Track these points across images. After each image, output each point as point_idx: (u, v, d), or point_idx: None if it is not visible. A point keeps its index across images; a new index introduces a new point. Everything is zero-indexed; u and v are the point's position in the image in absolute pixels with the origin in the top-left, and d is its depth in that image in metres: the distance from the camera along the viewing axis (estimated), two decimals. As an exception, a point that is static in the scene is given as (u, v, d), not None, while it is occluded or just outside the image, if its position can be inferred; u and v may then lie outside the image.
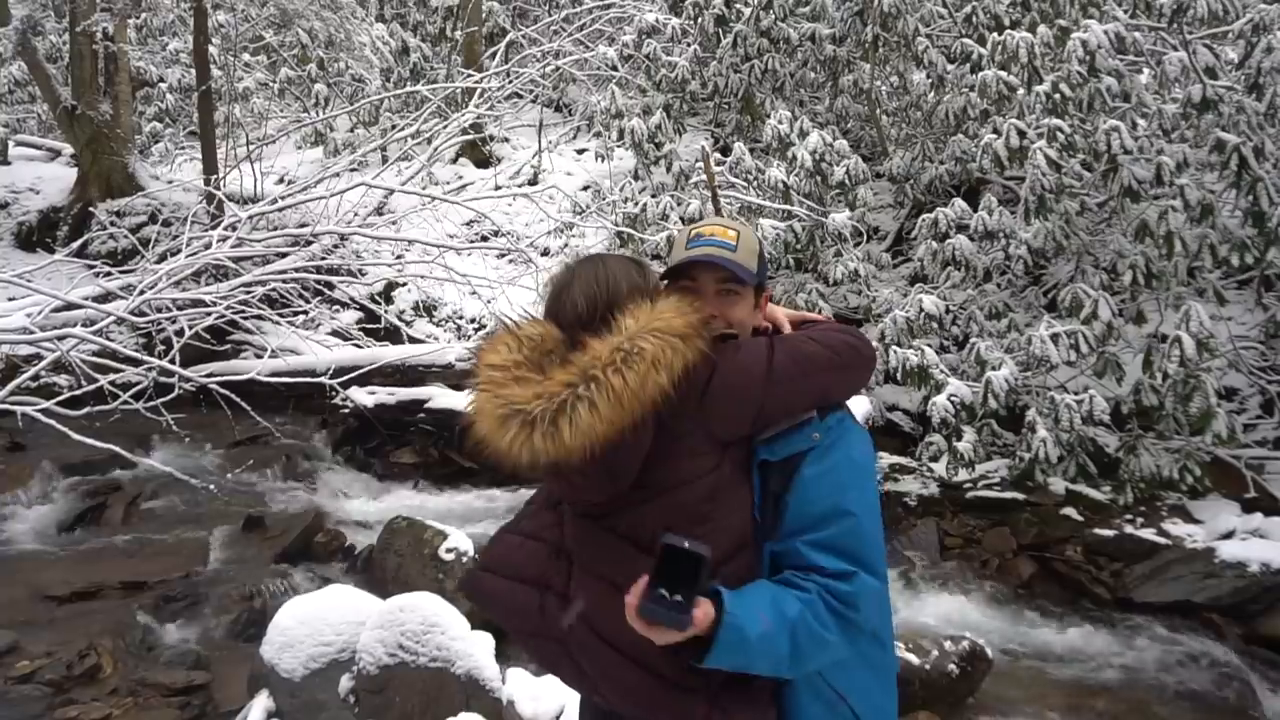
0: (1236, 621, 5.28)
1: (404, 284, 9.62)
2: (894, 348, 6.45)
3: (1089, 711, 4.67)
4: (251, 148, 10.79)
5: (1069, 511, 6.09)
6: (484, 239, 10.17)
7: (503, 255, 9.82)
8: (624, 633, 1.48)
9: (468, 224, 10.44)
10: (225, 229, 8.63)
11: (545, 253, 9.86)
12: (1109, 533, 5.88)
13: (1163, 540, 5.74)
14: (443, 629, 3.60)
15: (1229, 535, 5.62)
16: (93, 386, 6.91)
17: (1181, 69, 6.48)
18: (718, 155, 8.68)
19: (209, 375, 7.51)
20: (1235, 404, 6.45)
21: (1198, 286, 6.65)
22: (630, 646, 1.54)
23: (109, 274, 8.49)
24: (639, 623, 1.44)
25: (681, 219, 8.64)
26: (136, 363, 7.17)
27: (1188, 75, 6.43)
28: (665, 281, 1.81)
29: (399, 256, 9.88)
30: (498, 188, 10.74)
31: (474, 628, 3.74)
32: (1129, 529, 5.88)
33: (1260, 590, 5.26)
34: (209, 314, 7.95)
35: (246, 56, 13.26)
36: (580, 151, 11.67)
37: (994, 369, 6.12)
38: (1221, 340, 6.27)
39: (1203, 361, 5.82)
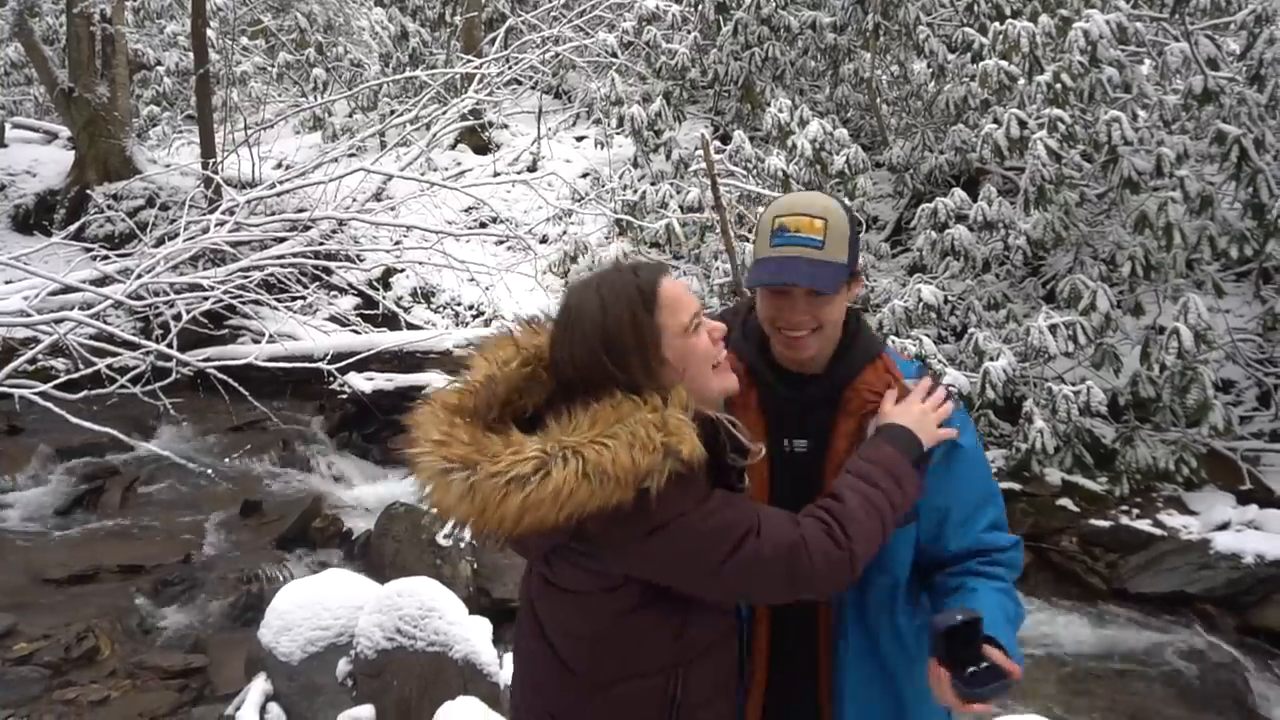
0: (1230, 612, 5.30)
1: (402, 270, 9.60)
2: (892, 337, 6.45)
3: (1083, 700, 4.70)
4: (249, 132, 10.75)
5: (1065, 502, 6.10)
6: (483, 225, 10.15)
7: (501, 242, 9.81)
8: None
9: (466, 210, 10.41)
10: (223, 213, 8.61)
11: (544, 240, 9.85)
12: (1105, 523, 5.90)
13: (1158, 531, 5.76)
14: (440, 613, 3.61)
15: (1224, 527, 5.64)
16: (90, 370, 6.91)
17: (1183, 60, 6.47)
18: (717, 143, 8.66)
19: (206, 360, 7.51)
20: (1232, 396, 6.46)
21: (1196, 278, 6.66)
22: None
23: (106, 257, 8.47)
24: (966, 709, 1.49)
25: (681, 207, 8.63)
26: (134, 346, 7.16)
27: (1189, 66, 6.42)
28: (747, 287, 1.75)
29: (397, 242, 9.86)
30: (497, 174, 10.71)
31: (471, 613, 3.76)
32: (1125, 520, 5.89)
33: (1254, 581, 5.28)
34: (206, 298, 7.94)
35: (245, 40, 13.20)
36: (579, 139, 11.64)
37: (992, 359, 6.12)
38: (1219, 332, 6.28)
39: (1200, 353, 5.83)
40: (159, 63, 13.51)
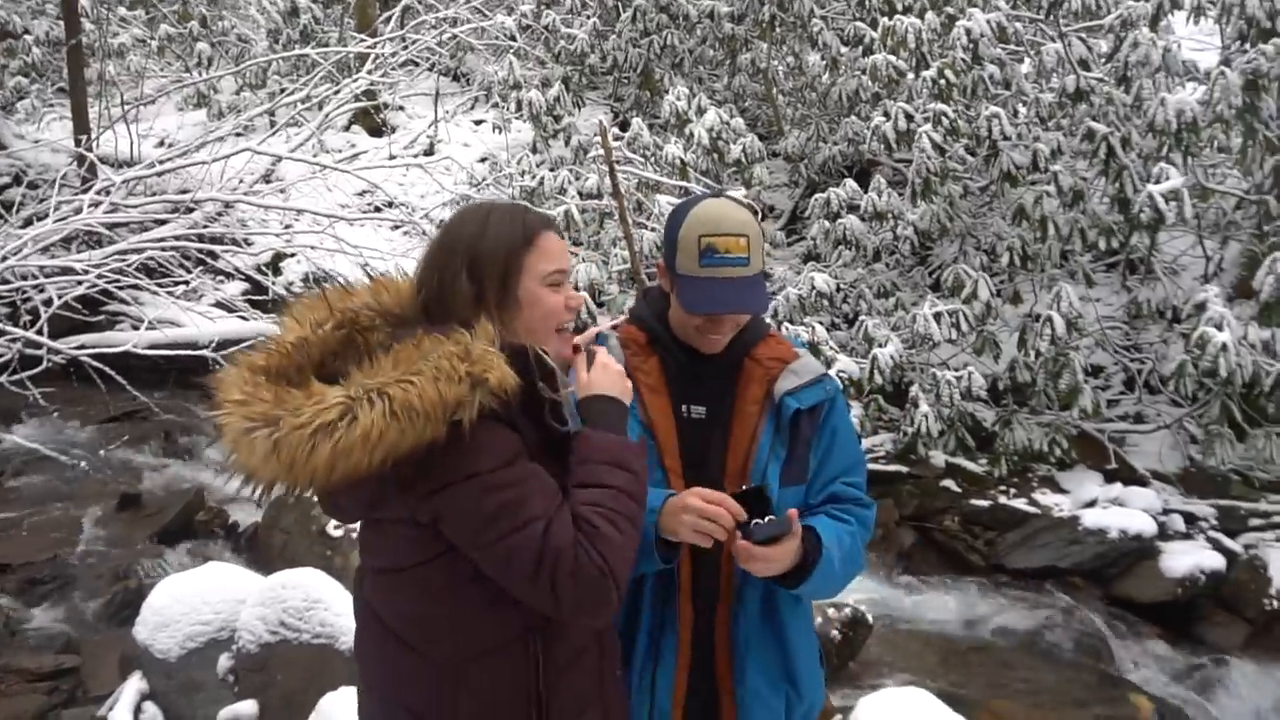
0: (1096, 584, 5.62)
1: (293, 255, 9.29)
2: (786, 324, 6.59)
3: (962, 672, 4.91)
4: (127, 108, 10.22)
5: (948, 483, 6.36)
6: (377, 210, 9.91)
7: (397, 227, 9.60)
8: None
9: (360, 194, 10.15)
10: (98, 193, 8.17)
11: (440, 225, 9.68)
12: (984, 503, 6.17)
13: (1033, 510, 6.05)
14: (326, 605, 3.54)
15: (1092, 504, 5.97)
16: (-51, 358, 6.49)
17: (1058, 60, 6.77)
18: (616, 130, 8.67)
19: (80, 347, 7.13)
20: (1100, 380, 6.83)
21: (1069, 269, 7.00)
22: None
23: (-33, 239, 7.95)
24: (752, 556, 1.63)
25: (579, 193, 8.60)
26: (-1, 333, 6.76)
27: (1063, 66, 6.73)
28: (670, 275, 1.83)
29: (287, 226, 9.54)
30: (392, 157, 10.48)
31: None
32: (1003, 499, 6.18)
33: (1118, 555, 5.61)
34: (80, 283, 7.53)
35: (122, 10, 12.55)
36: (478, 123, 11.47)
37: (880, 346, 6.32)
38: (1089, 320, 6.63)
39: (1072, 340, 6.15)
40: (26, 31, 12.71)
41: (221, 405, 1.44)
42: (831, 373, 1.96)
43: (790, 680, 1.84)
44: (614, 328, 1.91)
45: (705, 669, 1.83)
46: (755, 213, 1.87)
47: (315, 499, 1.61)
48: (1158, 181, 5.85)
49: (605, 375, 1.61)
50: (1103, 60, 6.79)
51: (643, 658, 1.82)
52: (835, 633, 4.63)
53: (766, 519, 1.64)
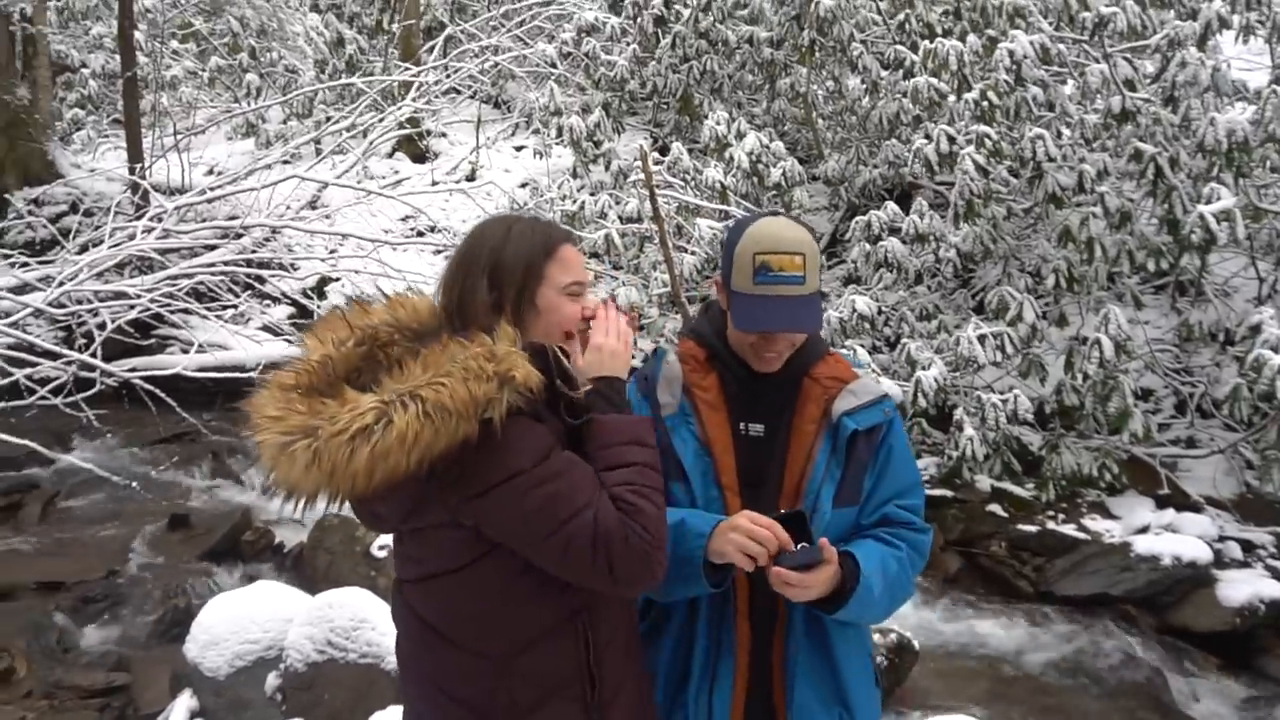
0: (1150, 612, 5.47)
1: (338, 279, 9.45)
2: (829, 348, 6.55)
3: (1011, 700, 4.81)
4: (179, 137, 10.51)
5: (994, 508, 6.25)
6: (420, 234, 10.06)
7: (439, 251, 9.72)
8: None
9: (403, 219, 10.31)
10: (151, 220, 8.39)
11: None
12: (1032, 528, 6.06)
13: (1082, 535, 5.93)
14: (373, 624, 3.56)
15: (1144, 530, 5.83)
16: (7, 381, 6.66)
17: (1103, 80, 6.70)
18: (656, 155, 8.72)
19: (132, 370, 7.29)
20: (1151, 404, 6.70)
21: (1116, 291, 6.90)
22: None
23: (26, 265, 8.21)
24: (786, 582, 1.63)
25: (620, 217, 8.66)
26: (55, 356, 6.94)
27: (1108, 87, 6.66)
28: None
29: (332, 251, 9.71)
30: (434, 183, 10.63)
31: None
32: (1050, 525, 6.05)
33: (1172, 582, 5.47)
34: (133, 307, 7.73)
35: (175, 44, 12.90)
36: (518, 148, 11.61)
37: (924, 369, 6.26)
38: (1138, 343, 6.51)
39: (1121, 363, 6.04)
40: (84, 65, 13.15)
41: (258, 425, 1.48)
42: (890, 393, 1.93)
43: (842, 702, 1.83)
44: (636, 324, 1.92)
45: (763, 691, 1.82)
46: (813, 233, 1.86)
47: (357, 518, 1.65)
48: (1208, 202, 5.75)
49: (601, 356, 1.63)
50: (1149, 80, 6.72)
51: (699, 680, 1.81)
52: (881, 659, 4.56)
53: (800, 546, 1.64)
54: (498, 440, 1.45)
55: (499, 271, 1.59)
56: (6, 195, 10.23)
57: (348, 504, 1.53)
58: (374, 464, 1.39)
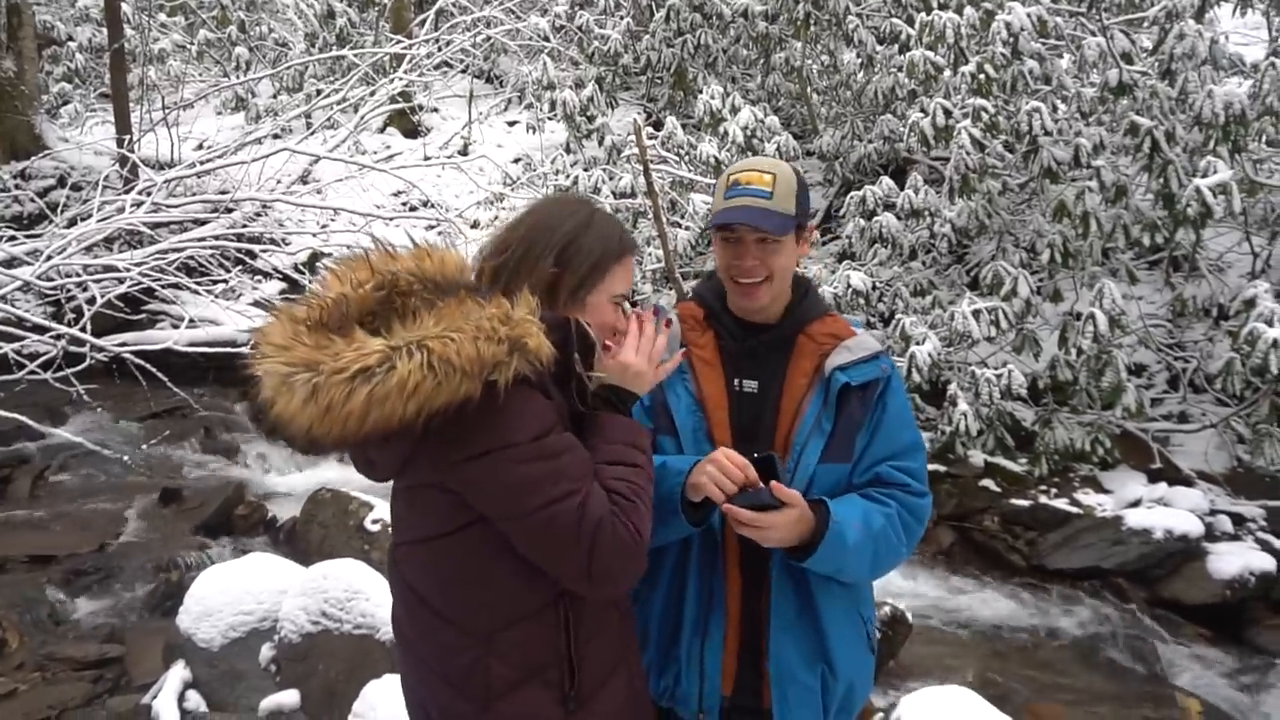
0: (1141, 585, 5.51)
1: (329, 254, 9.38)
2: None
3: (1004, 672, 4.84)
4: (168, 111, 10.38)
5: (987, 483, 6.27)
6: (412, 209, 9.99)
7: (432, 226, 9.65)
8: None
9: (395, 194, 10.24)
10: (140, 194, 8.32)
11: (475, 225, 9.73)
12: (1024, 503, 6.08)
13: (1074, 510, 5.95)
14: (367, 595, 3.55)
15: (1136, 504, 5.86)
16: (-4, 355, 6.62)
17: (1099, 54, 6.66)
18: (650, 129, 8.66)
19: (123, 345, 7.25)
20: (1144, 379, 6.71)
21: (1111, 266, 6.89)
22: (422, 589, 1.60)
23: (14, 238, 8.12)
24: (739, 521, 1.64)
25: (613, 193, 8.60)
26: (44, 330, 6.89)
27: (1105, 60, 6.62)
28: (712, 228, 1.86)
29: (324, 226, 9.65)
30: (427, 158, 10.55)
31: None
32: (1043, 499, 6.08)
33: (1163, 555, 5.50)
34: (122, 281, 7.68)
35: (163, 17, 12.75)
36: (511, 123, 11.53)
37: (918, 344, 6.25)
38: (1132, 318, 6.51)
39: (1114, 338, 6.04)
40: (70, 38, 12.98)
41: (263, 352, 1.46)
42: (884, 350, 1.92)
43: (825, 660, 1.81)
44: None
45: (754, 643, 1.81)
46: (802, 177, 1.88)
47: (353, 462, 1.62)
48: (1205, 176, 5.74)
49: (625, 373, 1.63)
50: (1146, 54, 6.68)
51: (690, 634, 1.81)
52: (875, 630, 4.57)
53: (772, 485, 1.65)
54: (498, 405, 1.42)
55: (570, 254, 1.59)
56: (-7, 169, 10.12)
57: (334, 453, 1.49)
58: (369, 407, 1.37)
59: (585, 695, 1.57)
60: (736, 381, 1.85)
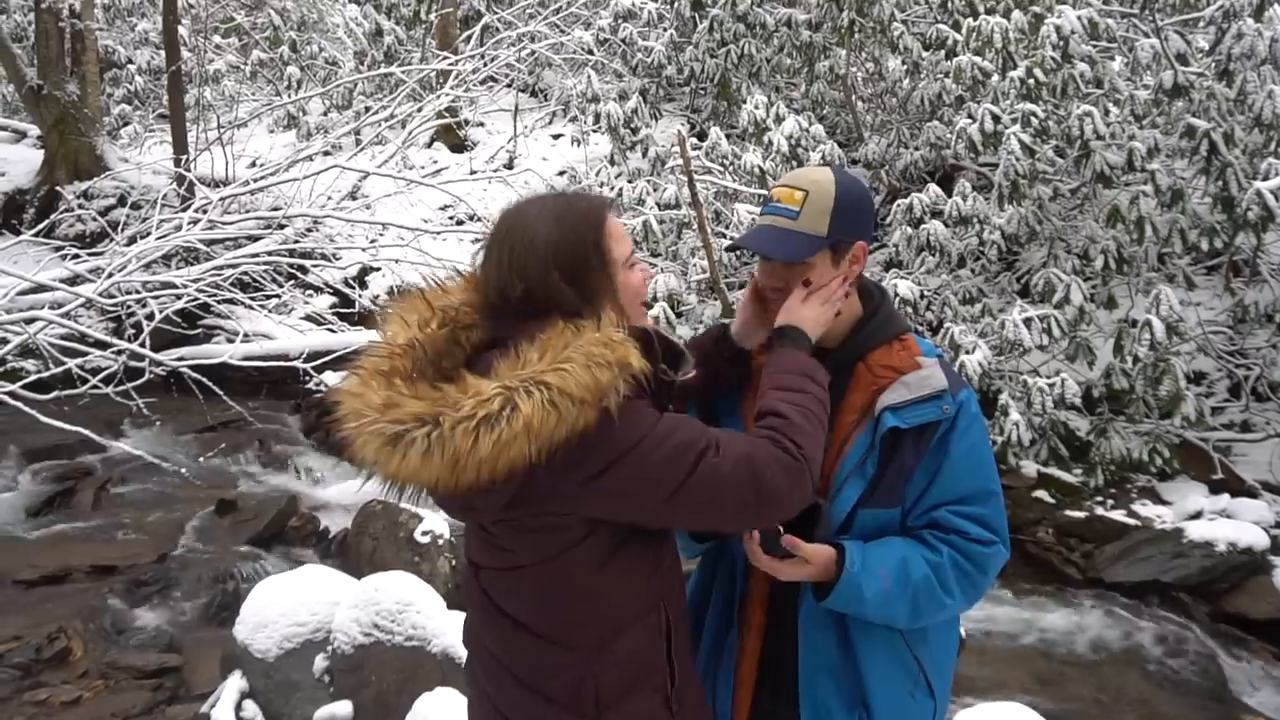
0: (1204, 600, 5.35)
1: (379, 268, 9.54)
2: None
3: (1060, 689, 4.73)
4: (222, 131, 10.64)
5: (1041, 494, 6.15)
6: (459, 223, 10.11)
7: (478, 240, 9.72)
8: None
9: (443, 208, 10.37)
10: (196, 211, 8.52)
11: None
12: (1080, 514, 5.95)
13: (1132, 521, 5.82)
14: (418, 608, 3.58)
15: (1197, 516, 5.70)
16: (61, 370, 6.82)
17: (1153, 55, 6.54)
18: (694, 140, 8.66)
19: (180, 359, 7.41)
20: (1203, 388, 6.54)
21: (1167, 272, 6.74)
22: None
23: (77, 256, 8.37)
24: (758, 559, 1.62)
25: (658, 204, 8.62)
26: (106, 346, 7.07)
27: (1159, 62, 6.49)
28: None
29: (373, 240, 9.80)
30: (473, 172, 10.67)
31: (450, 608, 3.73)
32: (1099, 511, 5.95)
33: (1227, 569, 5.34)
34: (179, 297, 7.86)
35: (217, 38, 13.09)
36: (556, 136, 11.62)
37: (968, 353, 6.16)
38: (1190, 325, 6.36)
39: (1172, 346, 5.90)
40: (130, 61, 13.38)
41: (360, 414, 1.41)
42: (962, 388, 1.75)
43: (864, 703, 1.71)
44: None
45: (785, 679, 1.74)
46: (861, 186, 1.78)
47: (443, 509, 1.60)
48: (1265, 178, 5.59)
49: (808, 309, 1.66)
50: (1202, 54, 6.53)
51: (706, 657, 1.78)
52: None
53: (783, 537, 1.60)
54: (614, 424, 1.41)
55: (569, 266, 1.51)
56: (58, 189, 10.44)
57: (424, 495, 1.47)
58: (499, 452, 1.34)
59: (683, 697, 1.59)
60: None
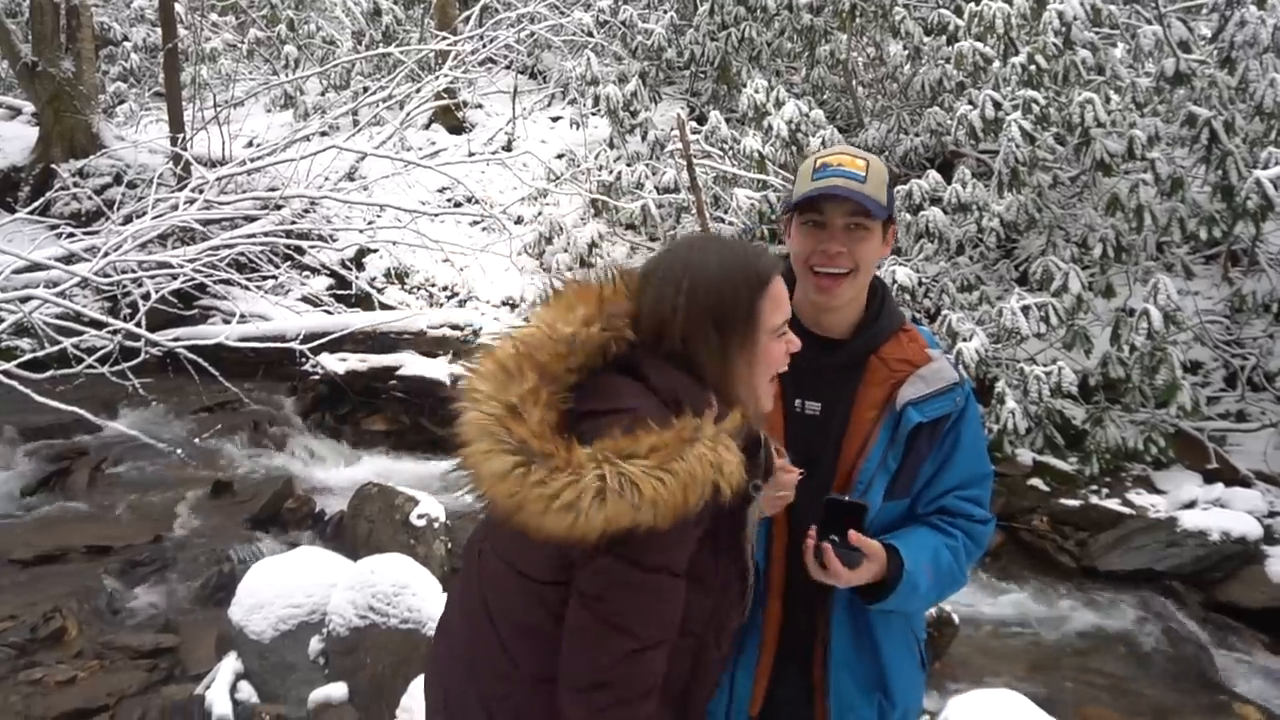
0: (1197, 589, 5.38)
1: (375, 250, 9.51)
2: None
3: (1053, 676, 4.76)
4: (219, 109, 10.56)
5: (1036, 482, 6.17)
6: (457, 205, 10.07)
7: (476, 222, 9.73)
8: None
9: (440, 190, 10.32)
10: (192, 191, 8.48)
11: (519, 220, 9.79)
12: (1075, 503, 5.97)
13: (1127, 510, 5.84)
14: (414, 590, 3.59)
15: (1191, 505, 5.73)
16: (56, 349, 6.79)
17: (1155, 42, 6.51)
18: (693, 124, 8.62)
19: (176, 340, 7.40)
20: (1200, 377, 6.55)
21: (1166, 260, 6.74)
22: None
23: (73, 235, 8.33)
24: (816, 564, 1.63)
25: (656, 188, 8.60)
26: (101, 325, 7.06)
27: (1161, 49, 6.47)
28: (792, 213, 1.74)
29: (370, 222, 9.76)
30: (471, 154, 10.62)
31: (445, 590, 3.74)
32: (1094, 499, 5.97)
33: (1220, 558, 5.37)
34: (176, 277, 7.83)
35: (214, 16, 12.99)
36: (555, 119, 11.55)
37: (965, 340, 6.16)
38: (1188, 314, 6.36)
39: (1169, 335, 5.90)
40: (126, 38, 13.27)
41: (480, 392, 1.42)
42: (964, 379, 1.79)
43: (883, 688, 1.78)
44: None
45: (800, 670, 1.78)
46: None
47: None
48: (1266, 167, 5.57)
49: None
50: (1204, 42, 6.50)
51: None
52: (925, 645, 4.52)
53: (844, 539, 1.62)
54: (662, 535, 1.37)
55: (723, 316, 1.48)
56: (53, 167, 10.37)
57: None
58: (570, 526, 1.34)
59: None
60: (798, 402, 1.74)
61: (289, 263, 9.08)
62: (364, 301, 8.78)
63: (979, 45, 7.00)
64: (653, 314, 1.50)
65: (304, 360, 7.68)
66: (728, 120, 8.50)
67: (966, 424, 1.75)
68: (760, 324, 1.50)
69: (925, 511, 1.77)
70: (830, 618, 1.75)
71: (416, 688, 3.14)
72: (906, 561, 1.65)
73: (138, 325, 7.10)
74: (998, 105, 6.60)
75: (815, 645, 1.77)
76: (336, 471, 6.95)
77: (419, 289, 9.30)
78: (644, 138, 8.96)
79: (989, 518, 1.80)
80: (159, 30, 10.92)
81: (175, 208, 8.19)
